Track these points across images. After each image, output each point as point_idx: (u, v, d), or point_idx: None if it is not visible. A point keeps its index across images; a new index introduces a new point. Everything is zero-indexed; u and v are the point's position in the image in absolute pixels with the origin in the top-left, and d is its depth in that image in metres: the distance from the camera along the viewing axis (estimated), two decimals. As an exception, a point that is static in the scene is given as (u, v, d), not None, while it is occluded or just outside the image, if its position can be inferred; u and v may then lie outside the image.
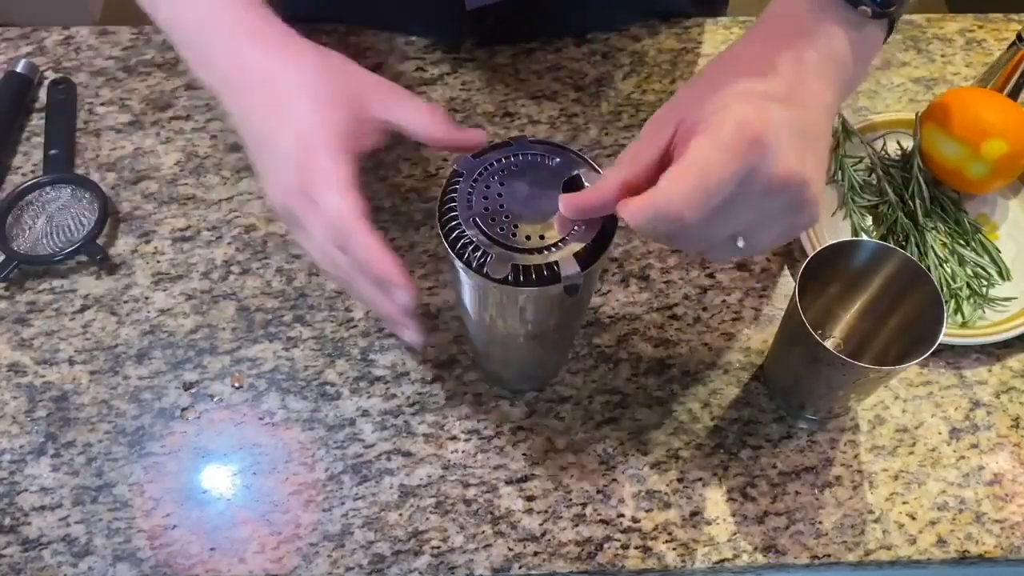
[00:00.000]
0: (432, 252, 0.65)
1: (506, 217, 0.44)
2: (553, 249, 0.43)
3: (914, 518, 0.56)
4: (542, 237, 0.43)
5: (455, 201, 0.44)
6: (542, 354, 0.56)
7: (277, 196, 0.48)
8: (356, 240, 0.45)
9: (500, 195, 0.45)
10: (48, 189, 0.66)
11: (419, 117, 0.50)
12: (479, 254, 0.43)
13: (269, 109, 0.48)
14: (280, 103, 0.48)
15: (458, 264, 0.43)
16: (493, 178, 0.45)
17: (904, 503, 0.57)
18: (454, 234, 0.44)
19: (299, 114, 0.47)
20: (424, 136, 0.50)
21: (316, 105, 0.48)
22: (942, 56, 0.76)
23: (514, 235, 0.43)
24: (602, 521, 0.56)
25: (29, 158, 0.69)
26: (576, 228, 0.44)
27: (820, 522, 0.56)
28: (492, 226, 0.43)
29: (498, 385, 0.60)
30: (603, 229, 0.44)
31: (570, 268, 0.43)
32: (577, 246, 0.43)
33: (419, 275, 0.64)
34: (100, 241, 0.64)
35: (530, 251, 0.43)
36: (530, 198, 0.44)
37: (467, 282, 0.45)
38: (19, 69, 0.71)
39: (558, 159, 0.46)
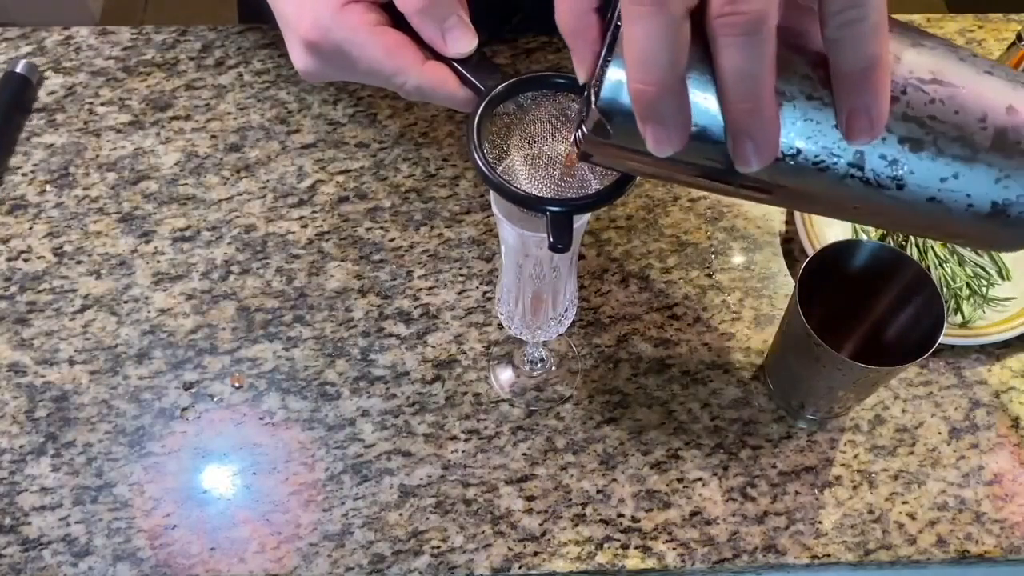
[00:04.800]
0: (432, 252, 0.65)
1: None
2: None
3: (914, 518, 0.56)
4: None
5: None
6: None
7: None
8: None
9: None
10: None
11: None
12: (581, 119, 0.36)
13: None
14: None
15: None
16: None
17: (904, 503, 0.57)
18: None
19: None
20: None
21: None
22: (942, 56, 0.76)
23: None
24: (602, 521, 0.56)
25: (29, 158, 0.69)
26: None
27: (820, 522, 0.56)
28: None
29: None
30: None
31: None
32: None
33: (419, 275, 0.64)
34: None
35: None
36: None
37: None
38: (19, 70, 0.71)
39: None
